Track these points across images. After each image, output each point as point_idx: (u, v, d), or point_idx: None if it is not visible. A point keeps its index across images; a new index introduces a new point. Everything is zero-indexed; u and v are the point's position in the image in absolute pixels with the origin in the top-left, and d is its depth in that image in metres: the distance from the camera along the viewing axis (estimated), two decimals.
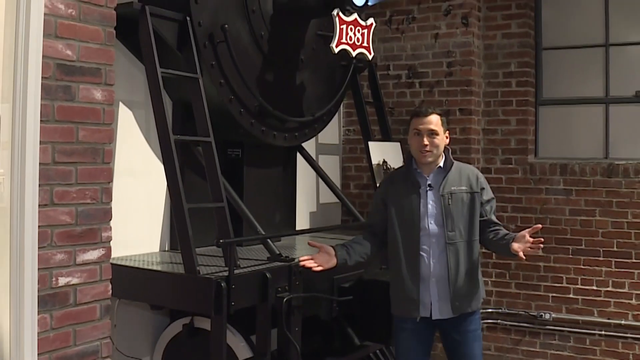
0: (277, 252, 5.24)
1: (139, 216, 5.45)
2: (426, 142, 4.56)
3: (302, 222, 6.96)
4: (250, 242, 5.56)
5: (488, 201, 4.73)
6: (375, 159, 6.79)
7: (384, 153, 6.93)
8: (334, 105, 6.71)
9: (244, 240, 5.47)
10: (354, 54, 6.07)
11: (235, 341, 5.09)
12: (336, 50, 5.88)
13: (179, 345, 5.44)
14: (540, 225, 4.47)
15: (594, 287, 7.07)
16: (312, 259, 4.58)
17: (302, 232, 6.71)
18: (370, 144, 6.83)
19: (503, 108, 7.50)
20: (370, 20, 6.24)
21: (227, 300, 4.53)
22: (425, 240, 4.60)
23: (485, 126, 7.57)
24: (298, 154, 6.67)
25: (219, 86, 5.45)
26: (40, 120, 3.60)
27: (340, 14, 5.85)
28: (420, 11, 7.59)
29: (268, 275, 4.86)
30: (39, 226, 3.60)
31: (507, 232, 4.71)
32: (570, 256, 7.18)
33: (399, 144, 7.17)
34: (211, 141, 5.10)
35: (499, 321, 7.50)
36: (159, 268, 5.01)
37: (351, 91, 6.96)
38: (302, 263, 4.59)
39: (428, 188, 4.66)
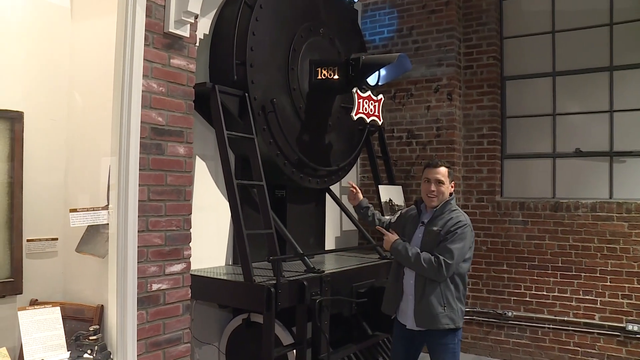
0: (312, 266, 5.17)
1: (210, 239, 5.42)
2: (433, 188, 4.27)
3: (329, 244, 6.88)
4: (292, 258, 5.49)
5: (443, 240, 4.18)
6: (384, 198, 6.73)
7: (390, 194, 6.86)
8: (353, 158, 6.67)
9: (287, 258, 5.40)
10: (368, 120, 6.06)
11: (281, 331, 5.02)
12: (355, 118, 5.87)
13: (239, 334, 5.38)
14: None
15: (544, 292, 6.92)
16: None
17: (330, 251, 6.65)
18: (380, 187, 6.76)
19: (477, 161, 7.40)
20: (380, 96, 6.23)
21: (275, 301, 4.48)
22: None
23: (464, 174, 7.48)
24: (327, 194, 6.61)
25: (268, 144, 5.43)
26: (139, 169, 3.59)
27: (359, 91, 5.85)
28: (416, 89, 7.55)
29: (305, 283, 4.79)
30: (138, 246, 3.58)
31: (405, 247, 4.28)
32: (527, 269, 7.04)
33: (400, 187, 7.10)
34: (263, 185, 5.07)
35: (474, 317, 7.35)
36: (225, 277, 4.96)
37: (365, 148, 6.91)
38: (351, 186, 5.05)
39: (421, 224, 4.38)
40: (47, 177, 4.33)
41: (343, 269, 5.49)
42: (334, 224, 7.14)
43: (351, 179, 7.53)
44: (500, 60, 7.50)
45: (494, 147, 7.36)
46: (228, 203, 5.07)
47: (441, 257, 4.10)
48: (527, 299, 7.04)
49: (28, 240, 4.23)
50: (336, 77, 5.85)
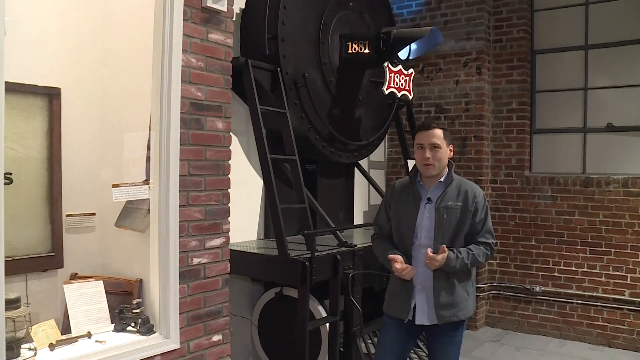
0: (344, 240, 5.19)
1: (241, 214, 5.44)
2: (428, 155, 3.62)
3: (357, 218, 6.89)
4: (323, 233, 5.50)
5: (478, 223, 3.68)
6: None
7: None
8: (383, 132, 6.64)
9: (321, 232, 5.40)
10: (399, 95, 6.00)
11: (314, 305, 5.03)
12: (386, 92, 5.82)
13: (271, 307, 5.41)
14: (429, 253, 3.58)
15: (573, 268, 6.91)
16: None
17: (360, 225, 6.66)
18: (409, 161, 6.73)
19: (506, 135, 7.35)
20: (411, 70, 6.17)
21: (309, 275, 4.51)
22: (417, 250, 3.70)
23: (493, 149, 7.44)
24: (355, 168, 6.60)
25: (300, 119, 5.42)
26: (180, 144, 3.60)
27: (390, 65, 5.81)
28: (445, 63, 7.49)
29: (338, 257, 4.82)
30: (179, 221, 3.61)
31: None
32: (555, 245, 7.03)
33: None
34: (296, 159, 5.08)
35: (501, 292, 7.36)
36: (257, 252, 4.99)
37: (394, 122, 6.87)
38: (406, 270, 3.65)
39: (427, 201, 3.69)
40: (84, 152, 4.37)
41: None
42: (362, 199, 7.15)
43: (379, 153, 7.53)
44: (531, 33, 7.40)
45: (523, 121, 7.30)
46: (259, 178, 5.09)
47: (490, 241, 3.72)
48: (556, 274, 7.04)
49: (67, 216, 4.29)
50: (367, 51, 5.81)
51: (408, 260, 3.73)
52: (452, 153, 3.78)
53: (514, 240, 7.28)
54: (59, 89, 4.27)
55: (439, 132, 3.67)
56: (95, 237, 4.44)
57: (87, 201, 4.40)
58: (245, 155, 5.53)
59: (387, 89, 5.81)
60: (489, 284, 7.41)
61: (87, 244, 4.40)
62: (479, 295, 7.25)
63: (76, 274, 4.31)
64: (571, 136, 7.21)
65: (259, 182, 5.44)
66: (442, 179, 3.71)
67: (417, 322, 3.71)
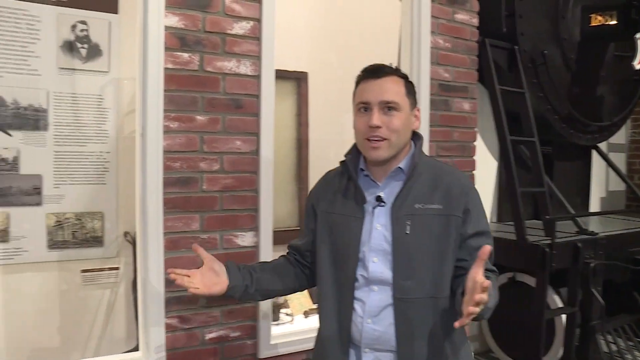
0: (585, 228, 5.07)
1: None
2: (376, 122, 2.02)
3: (594, 205, 6.65)
4: (564, 218, 5.38)
5: (474, 235, 2.13)
6: None
7: None
8: (628, 112, 6.32)
9: (562, 218, 5.29)
10: None
11: (550, 294, 4.97)
12: (637, 67, 5.56)
13: (502, 292, 5.37)
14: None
15: None
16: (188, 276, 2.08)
17: (600, 213, 6.40)
18: None
19: None
20: None
21: (549, 262, 4.47)
22: (362, 288, 2.08)
23: None
24: (593, 151, 6.37)
25: (538, 98, 5.34)
26: (429, 125, 3.76)
27: None
28: None
29: (579, 245, 4.72)
30: None
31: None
32: None
33: None
34: (535, 141, 5.02)
35: None
36: (493, 235, 5.02)
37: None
38: (179, 281, 2.05)
39: (378, 204, 2.09)
40: (326, 133, 4.70)
41: (618, 232, 5.29)
42: (599, 184, 6.87)
43: (620, 135, 7.15)
44: None
45: None
46: (492, 159, 5.10)
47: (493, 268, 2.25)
48: None
49: None
50: (613, 22, 5.56)
51: (348, 303, 2.11)
52: (418, 121, 2.21)
53: None
54: (306, 73, 4.64)
55: (397, 82, 2.10)
56: None
57: None
58: (479, 135, 5.59)
59: (638, 64, 5.54)
60: None
61: None
62: None
63: None
64: None
65: (492, 164, 5.45)
66: (401, 165, 2.12)
67: None
